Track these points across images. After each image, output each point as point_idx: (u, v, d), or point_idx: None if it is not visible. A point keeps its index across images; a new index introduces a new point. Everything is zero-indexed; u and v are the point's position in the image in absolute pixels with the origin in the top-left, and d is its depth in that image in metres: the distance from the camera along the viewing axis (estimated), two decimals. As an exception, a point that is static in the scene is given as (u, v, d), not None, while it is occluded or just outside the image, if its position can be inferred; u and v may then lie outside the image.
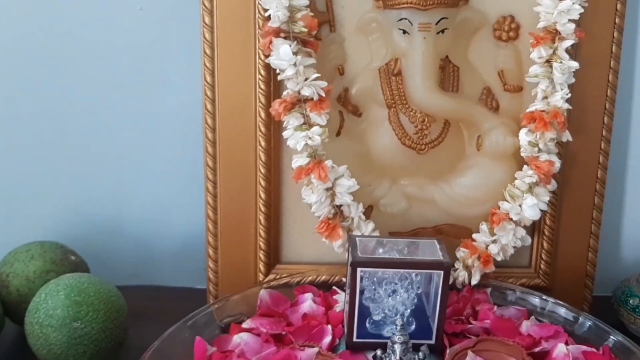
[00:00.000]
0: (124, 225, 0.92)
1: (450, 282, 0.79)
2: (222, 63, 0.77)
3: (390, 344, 0.65)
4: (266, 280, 0.82)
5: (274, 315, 0.75)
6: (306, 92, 0.73)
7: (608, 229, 0.89)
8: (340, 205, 0.78)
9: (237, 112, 0.79)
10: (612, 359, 0.67)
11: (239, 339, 0.70)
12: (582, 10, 0.75)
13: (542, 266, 0.85)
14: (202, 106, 0.79)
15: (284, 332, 0.72)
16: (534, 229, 0.84)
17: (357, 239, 0.72)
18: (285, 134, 0.76)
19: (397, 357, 0.65)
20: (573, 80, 0.77)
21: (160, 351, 0.67)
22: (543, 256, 0.84)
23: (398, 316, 0.69)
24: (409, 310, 0.71)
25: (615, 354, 0.68)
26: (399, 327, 0.66)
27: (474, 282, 0.79)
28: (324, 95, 0.74)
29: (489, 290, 0.80)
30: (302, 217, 0.81)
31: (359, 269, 0.68)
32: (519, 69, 0.80)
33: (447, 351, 0.69)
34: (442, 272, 0.68)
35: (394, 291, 0.71)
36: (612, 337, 0.72)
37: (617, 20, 0.80)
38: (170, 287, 0.93)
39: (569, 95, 0.77)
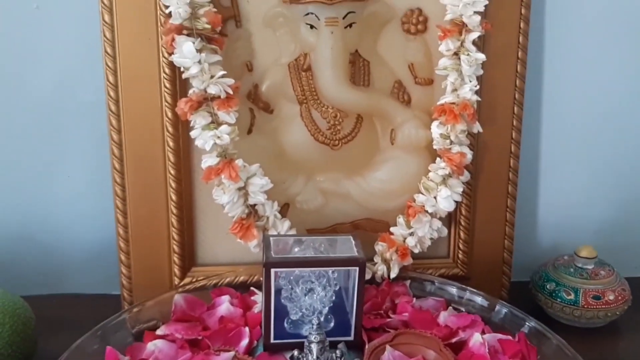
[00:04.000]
0: (30, 232, 0.89)
1: (369, 276, 0.79)
2: (125, 62, 0.75)
3: (307, 344, 0.64)
4: (182, 283, 0.80)
5: (189, 319, 0.73)
6: (213, 90, 0.71)
7: (523, 216, 0.90)
8: (254, 205, 0.76)
9: (142, 112, 0.76)
10: (528, 346, 0.68)
11: (153, 347, 0.68)
12: (487, 2, 0.75)
13: (460, 256, 0.85)
14: (106, 107, 0.76)
15: (200, 337, 0.70)
16: (450, 219, 0.84)
17: (271, 238, 0.71)
18: (192, 133, 0.73)
19: (314, 357, 0.64)
20: (481, 72, 0.78)
21: (67, 363, 0.64)
22: (460, 246, 0.85)
23: (315, 315, 0.68)
24: (327, 308, 0.70)
25: (531, 340, 0.70)
26: (315, 327, 0.65)
27: (392, 275, 0.79)
28: (231, 92, 0.72)
29: (408, 282, 0.80)
30: (217, 218, 0.80)
31: (272, 270, 0.66)
32: (429, 61, 0.80)
33: (366, 347, 0.68)
34: (357, 269, 0.67)
35: (311, 289, 0.70)
36: (527, 323, 0.73)
37: (522, 10, 0.81)
38: (84, 294, 0.90)
39: (477, 87, 0.77)
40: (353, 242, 0.71)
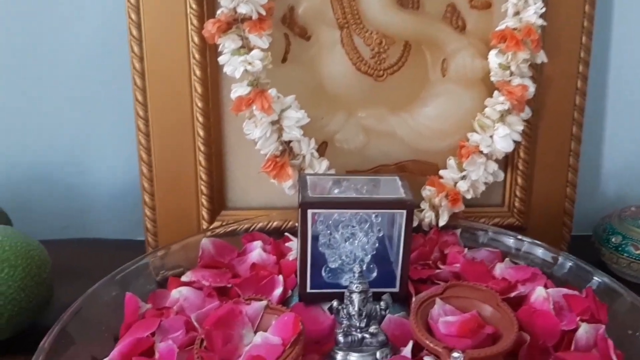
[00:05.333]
0: (50, 172, 0.83)
1: (416, 224, 0.72)
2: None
3: (348, 294, 0.57)
4: (211, 228, 0.74)
5: (218, 266, 0.67)
6: (243, 9, 0.63)
7: (587, 162, 0.81)
8: (289, 142, 0.69)
9: (166, 36, 0.69)
10: (597, 302, 0.60)
11: (178, 294, 0.62)
12: None
13: (516, 204, 0.77)
14: (127, 32, 0.69)
15: (229, 285, 0.64)
16: (506, 162, 0.76)
17: (308, 177, 0.64)
18: (221, 59, 0.66)
19: (356, 308, 0.57)
20: (547, -8, 0.68)
21: (84, 311, 0.59)
22: (517, 193, 0.77)
23: (356, 263, 0.61)
24: (369, 256, 0.63)
25: (600, 296, 0.61)
26: (357, 275, 0.58)
27: (441, 223, 0.72)
28: (264, 13, 0.64)
29: (458, 231, 0.73)
30: (248, 156, 0.73)
31: (309, 211, 0.59)
32: (487, -19, 0.71)
33: (413, 299, 0.61)
34: (404, 212, 0.60)
35: (352, 235, 0.63)
36: (595, 278, 0.65)
37: None
38: (106, 239, 0.85)
39: (543, 9, 0.68)
40: (399, 183, 0.63)
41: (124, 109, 0.76)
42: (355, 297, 0.57)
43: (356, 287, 0.57)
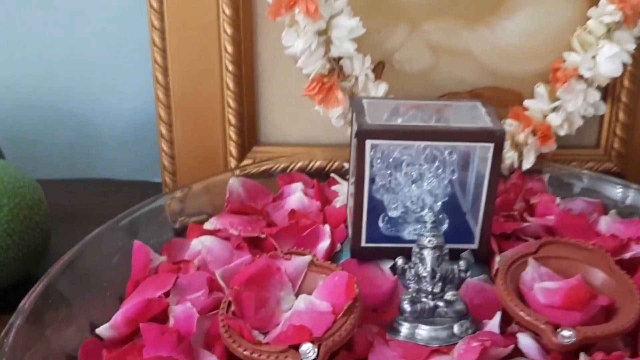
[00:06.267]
0: (54, 102, 0.73)
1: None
2: None
3: (417, 250, 0.45)
4: (240, 166, 0.62)
5: (249, 212, 0.55)
6: None
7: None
8: (339, 59, 0.56)
9: None
10: None
11: (200, 245, 0.51)
12: None
13: (614, 145, 0.64)
14: None
15: (262, 235, 0.52)
16: (605, 93, 0.62)
17: (364, 101, 0.50)
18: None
19: (428, 269, 0.44)
20: None
21: (79, 264, 0.47)
22: (617, 131, 0.63)
23: (426, 211, 0.48)
24: (439, 204, 0.50)
25: None
26: (429, 226, 0.45)
27: (526, 165, 0.59)
28: None
29: (545, 177, 0.59)
30: (286, 79, 0.61)
31: (368, 142, 0.46)
32: None
33: (496, 259, 0.49)
34: (491, 146, 0.46)
35: (420, 176, 0.49)
36: None
37: None
38: (117, 180, 0.74)
39: None
40: (483, 109, 0.50)
41: (136, 22, 0.65)
42: (427, 254, 0.44)
43: (429, 241, 0.44)
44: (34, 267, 0.56)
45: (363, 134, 0.45)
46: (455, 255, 0.45)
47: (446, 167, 0.50)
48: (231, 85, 0.60)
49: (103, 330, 0.43)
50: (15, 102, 0.73)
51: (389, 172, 0.50)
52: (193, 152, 0.63)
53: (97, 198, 0.69)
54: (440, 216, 0.50)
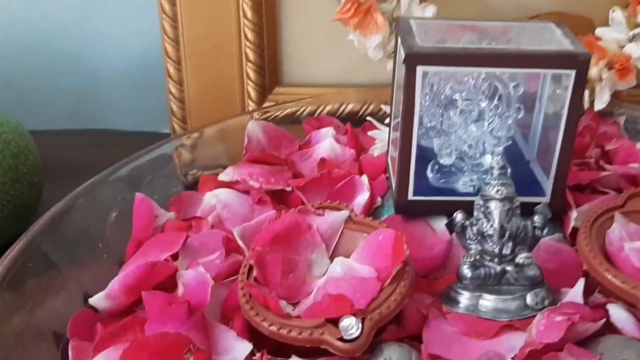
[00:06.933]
0: (50, 43, 0.65)
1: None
2: None
3: (481, 203, 0.36)
4: (261, 108, 0.55)
5: (271, 162, 0.47)
6: None
7: None
8: (377, -24, 0.46)
9: None
10: None
11: (214, 199, 0.44)
12: None
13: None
14: None
15: (288, 188, 0.44)
16: (690, 20, 0.52)
17: (412, 21, 0.41)
18: None
19: (496, 225, 0.35)
20: None
21: (69, 221, 0.39)
22: (703, 66, 0.53)
23: (491, 155, 0.39)
24: (501, 148, 0.41)
25: None
26: (497, 172, 0.36)
27: (599, 105, 0.50)
28: None
29: (621, 119, 0.50)
30: (313, 7, 0.52)
31: (420, 69, 0.37)
32: None
33: (572, 214, 0.40)
34: (573, 73, 0.37)
35: (480, 115, 0.41)
36: None
37: None
38: (121, 131, 0.67)
39: None
40: (559, 31, 0.41)
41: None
42: (495, 208, 0.36)
43: (497, 191, 0.36)
44: (22, 225, 0.48)
45: (413, 59, 0.37)
46: (530, 210, 0.37)
47: (511, 104, 0.41)
48: (249, 13, 0.52)
49: (97, 300, 0.36)
50: (7, 43, 0.65)
51: (440, 111, 0.42)
52: (205, 95, 0.55)
53: (99, 151, 0.62)
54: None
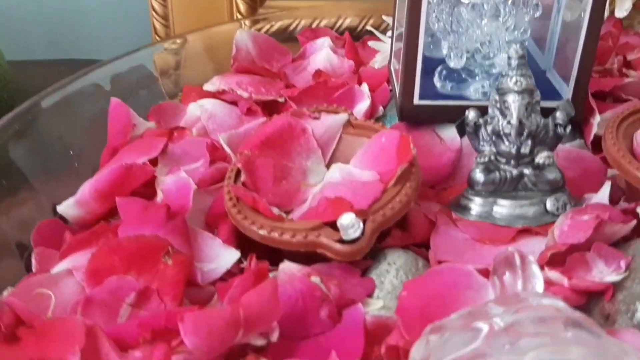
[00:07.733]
0: None
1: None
2: None
3: (497, 98, 0.32)
4: (251, 18, 0.50)
5: (262, 73, 0.42)
6: None
7: None
8: None
9: None
10: None
11: (199, 109, 0.39)
12: None
13: None
14: None
15: (280, 99, 0.40)
16: None
17: None
18: None
19: (514, 120, 0.31)
20: None
21: (36, 130, 0.35)
22: None
23: (510, 47, 0.35)
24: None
25: None
26: (516, 61, 0.32)
27: (621, 12, 0.45)
28: None
29: (644, 28, 0.46)
30: None
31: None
32: None
33: (595, 121, 0.36)
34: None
35: (495, 11, 0.36)
36: None
37: None
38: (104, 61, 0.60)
39: None
40: None
41: None
42: (513, 101, 0.31)
43: (515, 82, 0.32)
44: None
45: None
46: (549, 112, 0.33)
47: (528, 2, 0.37)
48: None
49: (66, 207, 0.32)
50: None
51: (448, 5, 0.38)
52: (191, 5, 0.50)
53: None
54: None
